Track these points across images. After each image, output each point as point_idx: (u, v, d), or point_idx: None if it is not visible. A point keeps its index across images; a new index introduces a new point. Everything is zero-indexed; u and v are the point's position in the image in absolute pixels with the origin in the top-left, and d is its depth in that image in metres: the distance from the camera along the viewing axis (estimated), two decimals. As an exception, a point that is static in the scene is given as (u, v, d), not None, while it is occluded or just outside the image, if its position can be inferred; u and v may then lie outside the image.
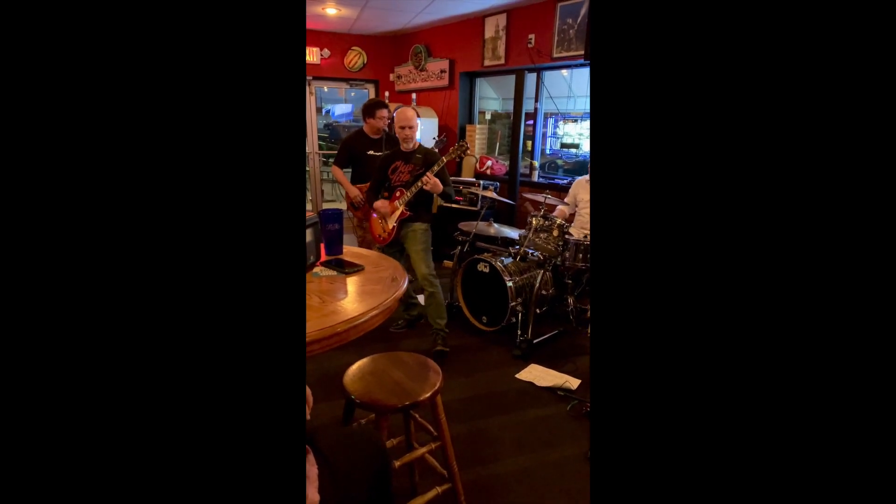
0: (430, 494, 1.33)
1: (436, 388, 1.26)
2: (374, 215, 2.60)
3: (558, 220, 2.63)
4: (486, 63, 4.04)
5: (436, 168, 2.37)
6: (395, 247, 2.54)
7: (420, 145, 2.52)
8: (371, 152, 2.93)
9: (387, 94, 5.22)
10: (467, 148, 2.45)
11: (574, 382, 2.25)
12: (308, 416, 0.82)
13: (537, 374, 2.33)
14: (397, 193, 2.50)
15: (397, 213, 2.49)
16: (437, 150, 2.59)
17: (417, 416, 1.49)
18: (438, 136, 4.27)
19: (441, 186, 2.38)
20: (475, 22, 4.07)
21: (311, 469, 0.77)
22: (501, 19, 3.83)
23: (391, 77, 5.22)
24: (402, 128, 2.44)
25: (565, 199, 3.07)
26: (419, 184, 2.38)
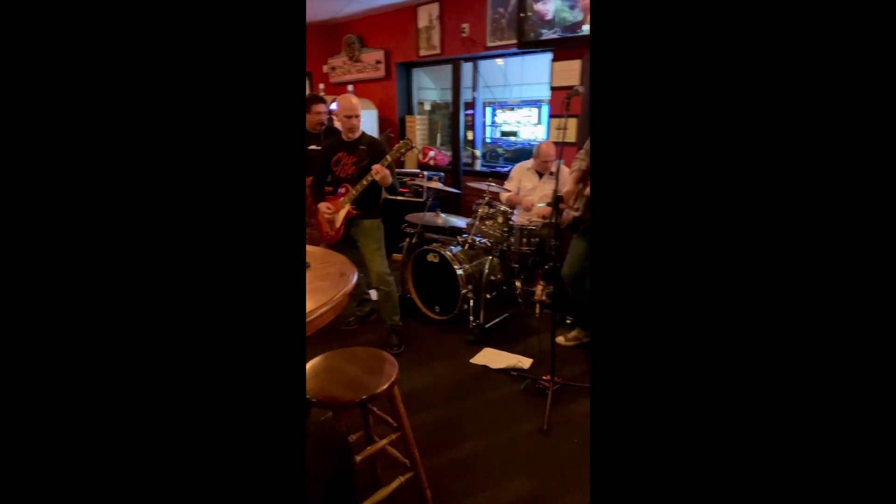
0: (394, 485, 1.34)
1: (392, 379, 1.27)
2: (320, 212, 2.49)
3: (502, 207, 2.69)
4: (422, 53, 4.02)
5: (384, 162, 2.23)
6: (345, 243, 2.42)
7: (364, 134, 2.39)
8: (312, 147, 2.85)
9: (321, 86, 5.06)
10: (412, 145, 2.34)
11: (526, 362, 2.33)
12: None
13: (491, 358, 2.39)
14: (342, 190, 2.36)
15: (343, 211, 2.36)
16: (382, 141, 2.49)
17: (376, 409, 1.49)
18: (383, 132, 4.21)
19: (390, 178, 2.25)
20: (408, 11, 4.03)
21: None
22: (434, 8, 3.81)
23: (324, 69, 5.06)
24: (349, 117, 2.31)
25: (505, 185, 3.13)
26: (367, 178, 2.26)
